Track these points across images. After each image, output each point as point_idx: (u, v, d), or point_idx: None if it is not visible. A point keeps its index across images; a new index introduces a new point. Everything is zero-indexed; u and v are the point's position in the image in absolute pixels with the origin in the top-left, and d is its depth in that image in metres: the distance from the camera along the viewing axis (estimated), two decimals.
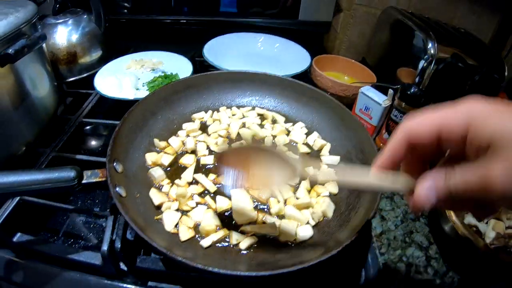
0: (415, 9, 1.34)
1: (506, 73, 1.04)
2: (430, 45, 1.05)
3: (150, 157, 0.82)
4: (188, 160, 0.84)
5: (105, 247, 0.66)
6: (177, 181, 0.79)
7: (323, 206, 0.74)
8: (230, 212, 0.74)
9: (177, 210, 0.73)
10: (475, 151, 0.37)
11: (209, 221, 0.70)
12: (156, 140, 0.87)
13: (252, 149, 0.63)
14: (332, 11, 1.58)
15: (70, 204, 0.85)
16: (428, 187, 0.39)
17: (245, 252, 0.67)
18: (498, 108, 0.36)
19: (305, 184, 0.80)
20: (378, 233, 0.86)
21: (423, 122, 0.40)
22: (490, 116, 0.35)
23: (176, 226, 0.70)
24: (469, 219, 0.78)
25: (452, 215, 0.76)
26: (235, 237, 0.68)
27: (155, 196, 0.74)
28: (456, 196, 0.37)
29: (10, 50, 0.76)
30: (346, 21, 1.62)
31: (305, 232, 0.70)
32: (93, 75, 1.20)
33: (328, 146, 0.91)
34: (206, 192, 0.79)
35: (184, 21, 1.63)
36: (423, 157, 0.44)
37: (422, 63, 1.02)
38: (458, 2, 1.28)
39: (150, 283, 0.71)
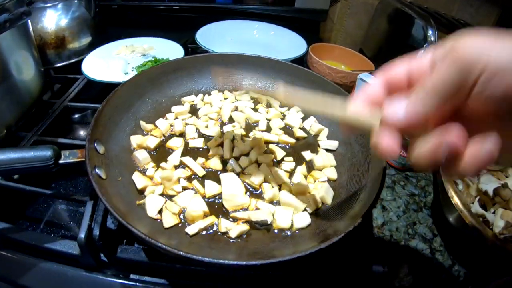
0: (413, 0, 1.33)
1: None
2: (430, 32, 1.05)
3: (135, 140, 0.78)
4: (175, 143, 0.81)
5: (82, 234, 0.62)
6: (162, 164, 0.75)
7: (321, 191, 0.70)
8: (220, 198, 0.69)
9: (162, 194, 0.69)
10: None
11: (196, 207, 0.65)
12: (142, 122, 0.83)
13: None
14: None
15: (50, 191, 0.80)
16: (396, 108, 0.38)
17: (235, 240, 0.62)
18: (478, 32, 0.33)
19: (301, 169, 0.76)
20: (379, 224, 0.84)
21: (396, 66, 0.42)
22: (469, 39, 0.32)
23: (159, 212, 0.65)
24: (476, 208, 0.75)
25: (458, 204, 0.73)
26: (224, 224, 0.63)
27: (138, 180, 0.69)
28: (442, 99, 0.35)
29: None
30: (343, 11, 1.62)
31: (302, 220, 0.65)
32: (82, 61, 1.16)
33: (326, 131, 0.88)
34: (194, 176, 0.74)
35: (177, 7, 1.63)
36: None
37: (422, 51, 1.00)
38: None
39: (132, 276, 0.67)
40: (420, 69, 0.40)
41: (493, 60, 0.31)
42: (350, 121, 0.46)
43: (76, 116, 1.09)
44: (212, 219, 0.64)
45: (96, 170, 0.62)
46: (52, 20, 1.18)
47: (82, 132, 1.06)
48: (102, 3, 1.39)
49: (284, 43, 1.42)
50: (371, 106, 0.43)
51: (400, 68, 0.42)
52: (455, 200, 0.74)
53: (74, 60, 1.23)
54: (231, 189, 0.68)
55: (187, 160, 0.75)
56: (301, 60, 1.30)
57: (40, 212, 0.79)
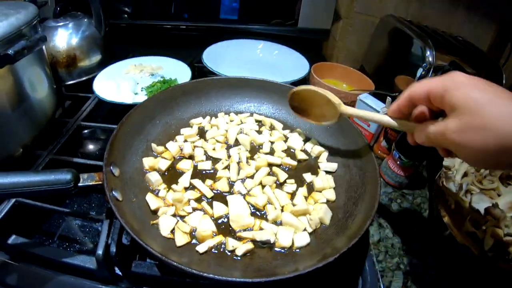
0: (412, 17, 1.35)
1: (504, 81, 1.05)
2: (428, 53, 1.05)
3: (147, 162, 0.82)
4: (185, 165, 0.84)
5: (100, 251, 0.65)
6: (173, 186, 0.79)
7: (320, 212, 0.74)
8: (226, 218, 0.74)
9: (173, 215, 0.73)
10: (447, 110, 0.53)
11: (205, 227, 0.69)
12: (153, 145, 0.86)
13: (312, 91, 0.83)
14: (331, 19, 1.60)
15: (66, 208, 0.84)
16: (418, 134, 0.60)
17: (241, 258, 0.67)
18: (468, 82, 0.50)
19: (302, 191, 0.80)
20: (375, 240, 0.86)
21: (418, 88, 0.57)
22: (458, 87, 0.51)
23: (172, 231, 0.70)
24: (467, 226, 0.78)
25: (450, 223, 0.77)
26: (231, 243, 0.67)
27: (152, 201, 0.73)
28: (431, 141, 0.57)
29: (10, 51, 0.76)
30: (344, 29, 1.63)
31: (302, 239, 0.70)
32: (92, 78, 1.19)
33: (325, 153, 0.91)
34: (203, 198, 0.78)
35: (184, 27, 1.65)
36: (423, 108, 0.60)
37: (420, 71, 1.03)
38: (455, 11, 1.29)
39: None
40: (434, 96, 0.55)
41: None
42: (387, 125, 0.71)
43: (86, 131, 1.12)
44: (220, 238, 0.68)
45: (113, 192, 0.65)
46: (64, 39, 1.21)
47: (91, 147, 1.09)
48: (111, 21, 1.40)
49: (287, 63, 1.45)
50: (401, 117, 0.66)
51: (420, 91, 0.57)
52: (447, 219, 0.77)
53: (84, 78, 1.26)
54: (237, 210, 0.73)
55: (197, 182, 0.79)
56: (304, 80, 1.32)
57: (54, 227, 0.82)
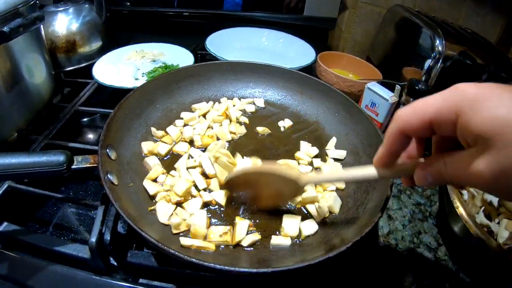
0: (420, 9, 1.35)
1: None
2: (437, 42, 1.04)
3: (146, 146, 0.80)
4: (182, 148, 0.82)
5: (93, 239, 0.63)
6: (172, 172, 0.76)
7: (330, 201, 0.71)
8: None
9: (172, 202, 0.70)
10: (465, 141, 0.38)
11: (202, 222, 0.66)
12: (153, 129, 0.84)
13: (256, 173, 0.66)
14: (338, 7, 1.60)
15: (61, 194, 0.81)
16: (423, 176, 0.45)
17: (245, 249, 0.64)
18: (488, 95, 0.35)
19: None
20: (385, 233, 0.84)
21: (415, 115, 0.42)
22: (477, 107, 0.35)
23: (170, 217, 0.67)
24: (481, 218, 0.76)
25: (463, 214, 0.73)
26: (238, 232, 0.64)
27: (150, 186, 0.71)
28: (445, 182, 0.42)
29: (5, 28, 0.74)
30: (351, 20, 1.63)
31: (309, 228, 0.67)
32: (92, 65, 1.18)
33: (334, 140, 0.89)
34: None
35: (187, 14, 1.66)
36: (420, 140, 0.48)
37: (429, 61, 1.02)
38: (462, 4, 1.29)
39: (141, 280, 0.68)
40: (441, 124, 0.40)
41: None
42: (377, 179, 0.53)
43: (85, 119, 1.10)
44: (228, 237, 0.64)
45: (109, 176, 0.63)
46: (63, 24, 1.20)
47: (91, 136, 1.07)
48: (112, 8, 1.40)
49: (293, 51, 1.44)
50: (393, 161, 0.50)
51: (418, 120, 0.42)
52: (460, 210, 0.74)
53: (84, 64, 1.25)
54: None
55: (193, 172, 0.76)
56: (310, 68, 1.31)
57: (49, 215, 0.80)
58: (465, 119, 0.36)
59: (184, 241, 0.62)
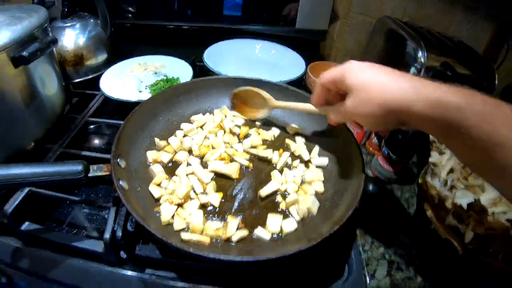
0: (410, 18, 1.38)
1: (496, 82, 1.07)
2: (420, 54, 1.08)
3: (151, 155, 0.88)
4: (182, 157, 0.90)
5: (107, 235, 0.71)
6: (174, 177, 0.85)
7: (308, 203, 0.80)
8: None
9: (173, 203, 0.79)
10: (347, 92, 0.66)
11: (199, 221, 0.75)
12: (157, 139, 0.92)
13: (247, 91, 1.00)
14: (328, 20, 1.64)
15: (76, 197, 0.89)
16: (332, 116, 0.76)
17: (234, 244, 0.73)
18: (359, 67, 0.64)
19: (293, 186, 0.86)
20: (363, 231, 0.90)
21: (326, 77, 0.71)
22: (351, 72, 0.65)
23: (172, 217, 0.76)
24: (450, 220, 0.82)
25: (433, 217, 0.81)
26: (229, 229, 0.73)
27: (155, 190, 0.79)
28: (342, 118, 0.74)
29: (25, 53, 0.82)
30: (342, 29, 1.65)
31: (289, 225, 0.76)
32: (99, 76, 1.24)
33: (316, 149, 0.96)
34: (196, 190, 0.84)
35: (187, 27, 1.70)
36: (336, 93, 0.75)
37: (412, 71, 1.06)
38: (453, 11, 1.32)
39: (147, 271, 0.76)
40: (336, 82, 0.69)
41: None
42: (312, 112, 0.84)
43: (92, 127, 1.17)
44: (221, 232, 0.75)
45: (120, 182, 0.72)
46: (71, 39, 1.26)
47: (97, 141, 1.14)
48: (116, 21, 1.44)
49: (285, 62, 1.49)
50: (323, 103, 0.80)
51: (328, 79, 0.71)
52: (430, 213, 0.82)
53: (91, 76, 1.31)
54: None
55: (192, 178, 0.85)
56: (301, 79, 1.36)
57: (63, 215, 0.88)
58: (345, 78, 0.65)
59: (184, 235, 0.71)
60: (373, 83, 0.61)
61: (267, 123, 1.04)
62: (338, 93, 0.73)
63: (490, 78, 1.08)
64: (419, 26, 1.30)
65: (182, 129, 0.98)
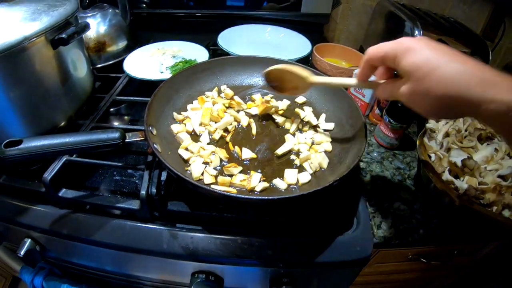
0: (407, 1, 1.46)
1: (490, 57, 1.15)
2: (416, 32, 1.17)
3: (176, 128, 0.96)
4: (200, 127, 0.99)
5: (143, 191, 0.81)
6: (198, 143, 0.92)
7: (319, 158, 0.89)
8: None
9: (202, 162, 0.87)
10: (400, 73, 0.60)
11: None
12: (175, 113, 1.00)
13: (282, 70, 0.90)
14: (331, 4, 1.71)
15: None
16: (381, 90, 0.68)
17: (258, 193, 0.82)
18: (414, 46, 0.57)
19: (305, 146, 0.95)
20: (368, 189, 0.99)
21: (375, 52, 0.64)
22: (405, 53, 0.57)
23: (202, 174, 0.84)
24: (447, 176, 0.89)
25: (431, 174, 0.88)
26: (253, 181, 0.82)
27: (184, 153, 0.88)
28: (391, 97, 0.65)
29: (64, 35, 0.90)
30: (344, 13, 1.75)
31: (304, 177, 0.85)
32: (120, 61, 1.33)
33: (323, 116, 1.04)
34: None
35: (199, 14, 1.79)
36: (383, 68, 0.68)
37: None
38: None
39: (178, 225, 0.85)
40: (387, 60, 0.62)
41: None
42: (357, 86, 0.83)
43: (112, 109, 1.25)
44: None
45: (155, 145, 0.80)
46: (93, 27, 1.33)
47: (123, 117, 1.25)
48: (133, 11, 1.52)
49: (292, 44, 1.56)
50: (367, 78, 0.72)
51: (376, 55, 0.64)
52: (428, 170, 0.89)
53: (112, 62, 1.39)
54: None
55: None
56: (307, 59, 1.45)
57: (97, 182, 0.96)
58: (398, 60, 0.58)
59: (215, 187, 0.79)
60: (434, 70, 0.53)
61: (278, 96, 1.11)
62: (388, 70, 0.68)
63: (484, 53, 1.15)
64: (416, 7, 1.38)
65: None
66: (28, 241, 0.92)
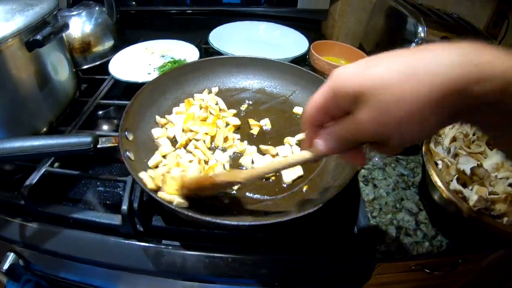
0: None
1: None
2: (420, 29, 1.12)
3: (156, 133, 0.90)
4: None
5: (124, 206, 0.75)
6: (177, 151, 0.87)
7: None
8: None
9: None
10: (348, 108, 0.45)
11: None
12: (157, 117, 0.93)
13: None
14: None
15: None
16: (325, 144, 0.50)
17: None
18: (359, 66, 0.44)
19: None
20: (370, 199, 0.94)
21: (312, 110, 0.50)
22: (351, 76, 0.44)
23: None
24: (455, 185, 0.84)
25: (437, 181, 0.82)
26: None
27: (156, 159, 0.82)
28: (344, 141, 0.48)
29: (38, 36, 0.84)
30: (343, 9, 1.69)
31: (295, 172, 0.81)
32: (106, 62, 1.26)
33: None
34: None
35: (190, 11, 1.72)
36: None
37: (413, 46, 1.08)
38: None
39: (164, 241, 0.79)
40: (331, 106, 0.48)
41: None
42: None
43: (100, 112, 1.19)
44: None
45: (127, 153, 0.74)
46: (78, 27, 1.27)
47: (108, 123, 1.18)
48: (120, 8, 1.45)
49: (288, 42, 1.50)
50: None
51: (316, 109, 0.49)
52: (435, 177, 0.83)
53: (98, 62, 1.33)
54: None
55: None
56: (304, 57, 1.38)
57: (79, 194, 0.90)
58: (342, 90, 0.44)
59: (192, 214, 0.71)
60: (398, 73, 0.40)
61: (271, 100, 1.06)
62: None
63: None
64: (418, 3, 1.34)
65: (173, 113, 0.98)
66: (11, 255, 0.89)
